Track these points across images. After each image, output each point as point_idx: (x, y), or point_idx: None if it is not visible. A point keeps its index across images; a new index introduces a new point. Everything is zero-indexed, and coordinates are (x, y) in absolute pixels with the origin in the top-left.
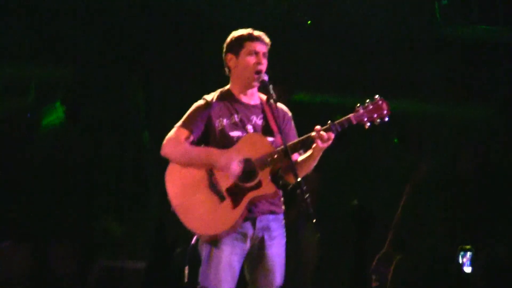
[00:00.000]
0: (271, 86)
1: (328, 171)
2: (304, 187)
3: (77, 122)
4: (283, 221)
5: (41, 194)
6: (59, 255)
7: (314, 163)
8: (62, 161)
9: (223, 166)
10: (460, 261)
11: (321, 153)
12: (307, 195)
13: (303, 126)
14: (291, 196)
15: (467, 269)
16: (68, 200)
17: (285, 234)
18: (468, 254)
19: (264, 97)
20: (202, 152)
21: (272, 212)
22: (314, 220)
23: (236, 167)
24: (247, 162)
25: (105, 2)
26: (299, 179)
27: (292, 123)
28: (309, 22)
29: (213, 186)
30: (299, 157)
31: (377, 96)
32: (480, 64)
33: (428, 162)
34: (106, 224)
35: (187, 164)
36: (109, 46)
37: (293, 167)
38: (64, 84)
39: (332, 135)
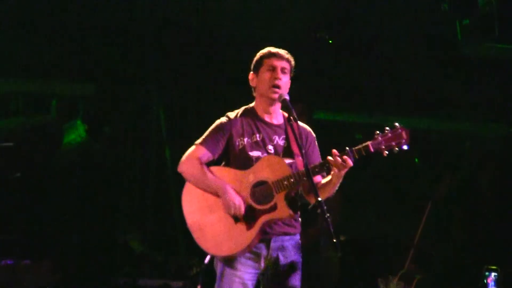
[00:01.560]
0: (292, 106)
1: (348, 190)
2: (325, 207)
3: (98, 140)
4: (299, 242)
5: (62, 212)
6: (79, 272)
7: (334, 189)
8: (83, 178)
9: (227, 204)
10: (485, 281)
11: (341, 179)
12: (328, 215)
13: (324, 146)
14: (312, 215)
15: None
16: (89, 217)
17: (301, 254)
18: (493, 274)
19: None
20: (213, 183)
21: (287, 234)
22: (335, 240)
23: (238, 211)
24: (263, 184)
25: (126, 19)
26: (319, 199)
27: (316, 144)
28: (330, 41)
29: None
30: (322, 180)
31: (397, 124)
32: (501, 83)
33: (449, 180)
34: (128, 241)
35: (197, 186)
36: (130, 64)
37: (314, 187)
38: (85, 102)
39: (350, 161)
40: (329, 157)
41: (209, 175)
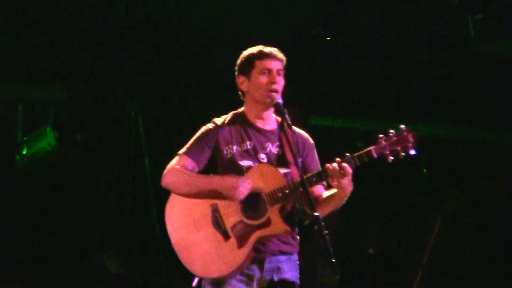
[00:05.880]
0: (285, 110)
1: (349, 205)
2: (323, 223)
3: (70, 149)
4: (297, 262)
5: (28, 228)
6: None
7: (340, 203)
8: (53, 190)
9: (229, 188)
10: None
11: (346, 191)
12: (326, 232)
13: (321, 154)
14: (308, 230)
15: None
16: (60, 233)
17: (298, 276)
18: None
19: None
20: (205, 179)
21: (283, 253)
22: (334, 260)
23: (243, 191)
24: (255, 196)
25: (101, 20)
26: (316, 214)
27: (314, 151)
28: (328, 38)
29: (217, 223)
30: (323, 192)
31: (402, 126)
32: None
33: (459, 192)
34: (103, 260)
35: (190, 194)
36: (105, 66)
37: (310, 200)
38: (56, 107)
39: (348, 169)
40: (327, 164)
41: (198, 175)
